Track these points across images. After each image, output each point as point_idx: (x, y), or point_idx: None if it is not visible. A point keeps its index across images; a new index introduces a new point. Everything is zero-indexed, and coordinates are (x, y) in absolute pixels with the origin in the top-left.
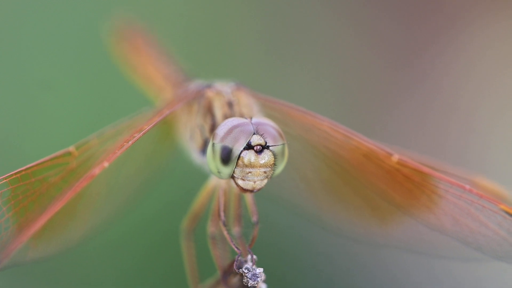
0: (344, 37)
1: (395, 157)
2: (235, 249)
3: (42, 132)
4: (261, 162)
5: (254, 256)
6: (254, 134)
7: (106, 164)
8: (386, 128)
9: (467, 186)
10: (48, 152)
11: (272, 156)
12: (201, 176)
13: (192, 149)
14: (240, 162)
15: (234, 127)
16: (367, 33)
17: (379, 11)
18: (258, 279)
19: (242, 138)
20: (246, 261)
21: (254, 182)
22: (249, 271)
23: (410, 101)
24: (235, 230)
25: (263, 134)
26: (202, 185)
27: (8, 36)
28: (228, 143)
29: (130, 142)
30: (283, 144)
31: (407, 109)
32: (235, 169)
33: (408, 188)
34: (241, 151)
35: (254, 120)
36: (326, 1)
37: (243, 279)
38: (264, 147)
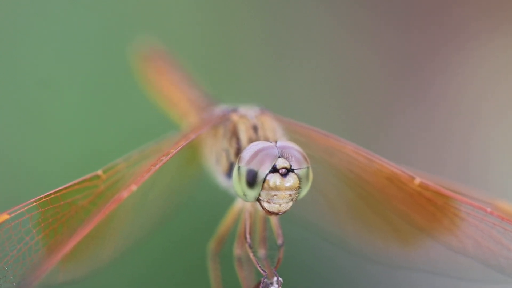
0: (347, 44)
1: (417, 180)
2: (261, 271)
3: (44, 133)
4: (286, 185)
5: (280, 278)
6: (279, 157)
7: (134, 187)
8: (387, 135)
9: (489, 209)
10: (50, 155)
11: (297, 179)
12: (226, 196)
13: (218, 172)
14: (265, 185)
15: (260, 151)
16: (371, 42)
17: (384, 21)
18: None
19: (267, 161)
20: (271, 283)
21: (280, 204)
22: None
23: (412, 109)
24: (261, 252)
25: (287, 157)
26: (227, 204)
27: (13, 39)
28: (253, 166)
29: (158, 166)
30: (308, 167)
31: (408, 117)
32: (261, 192)
33: (430, 211)
34: (267, 174)
35: (278, 143)
36: (332, 11)
37: None
38: (289, 170)
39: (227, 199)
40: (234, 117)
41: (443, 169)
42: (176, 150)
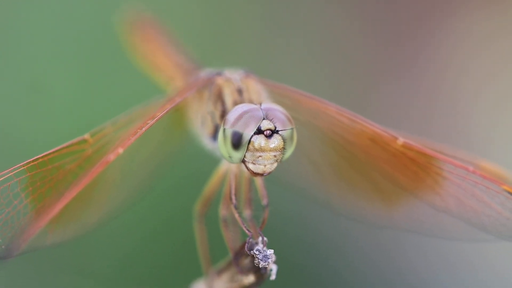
0: (335, 15)
1: (400, 141)
2: (246, 231)
3: (31, 104)
4: (271, 146)
5: (265, 238)
6: (263, 119)
7: (120, 150)
8: (375, 103)
9: (471, 168)
10: (39, 125)
11: (282, 140)
12: (211, 159)
13: (203, 135)
14: (250, 146)
15: (244, 113)
16: (358, 12)
17: None
18: (268, 260)
19: (252, 123)
20: (257, 243)
21: (265, 165)
22: (260, 252)
23: (398, 80)
24: (246, 213)
25: (272, 119)
26: (211, 168)
27: (4, 33)
28: (238, 128)
29: (144, 129)
30: (292, 128)
31: (395, 88)
32: (246, 154)
33: (413, 170)
34: (252, 136)
35: (263, 105)
36: None
37: (254, 260)
38: (274, 131)
39: (212, 161)
40: (219, 80)
41: (430, 135)
42: (162, 113)
